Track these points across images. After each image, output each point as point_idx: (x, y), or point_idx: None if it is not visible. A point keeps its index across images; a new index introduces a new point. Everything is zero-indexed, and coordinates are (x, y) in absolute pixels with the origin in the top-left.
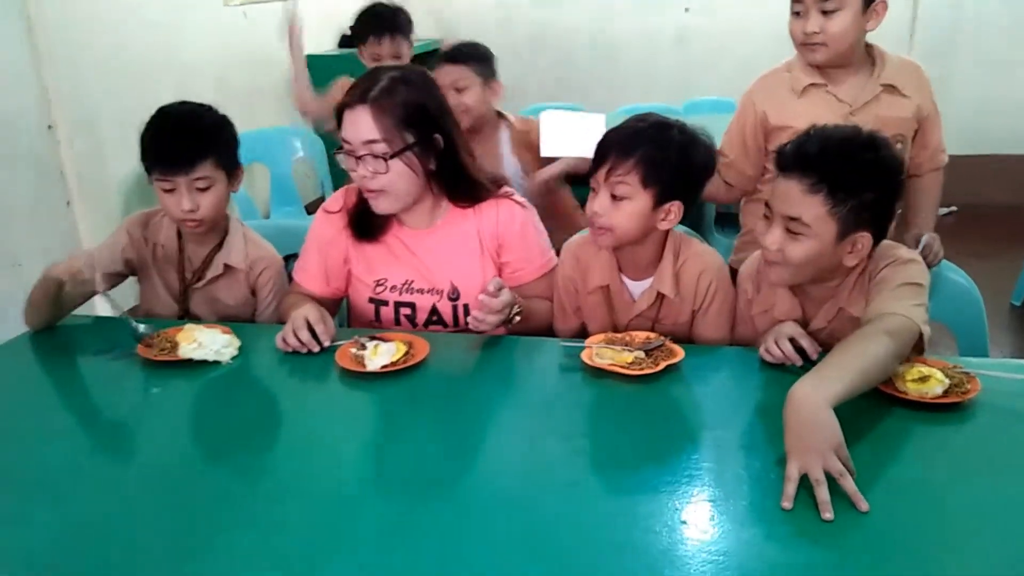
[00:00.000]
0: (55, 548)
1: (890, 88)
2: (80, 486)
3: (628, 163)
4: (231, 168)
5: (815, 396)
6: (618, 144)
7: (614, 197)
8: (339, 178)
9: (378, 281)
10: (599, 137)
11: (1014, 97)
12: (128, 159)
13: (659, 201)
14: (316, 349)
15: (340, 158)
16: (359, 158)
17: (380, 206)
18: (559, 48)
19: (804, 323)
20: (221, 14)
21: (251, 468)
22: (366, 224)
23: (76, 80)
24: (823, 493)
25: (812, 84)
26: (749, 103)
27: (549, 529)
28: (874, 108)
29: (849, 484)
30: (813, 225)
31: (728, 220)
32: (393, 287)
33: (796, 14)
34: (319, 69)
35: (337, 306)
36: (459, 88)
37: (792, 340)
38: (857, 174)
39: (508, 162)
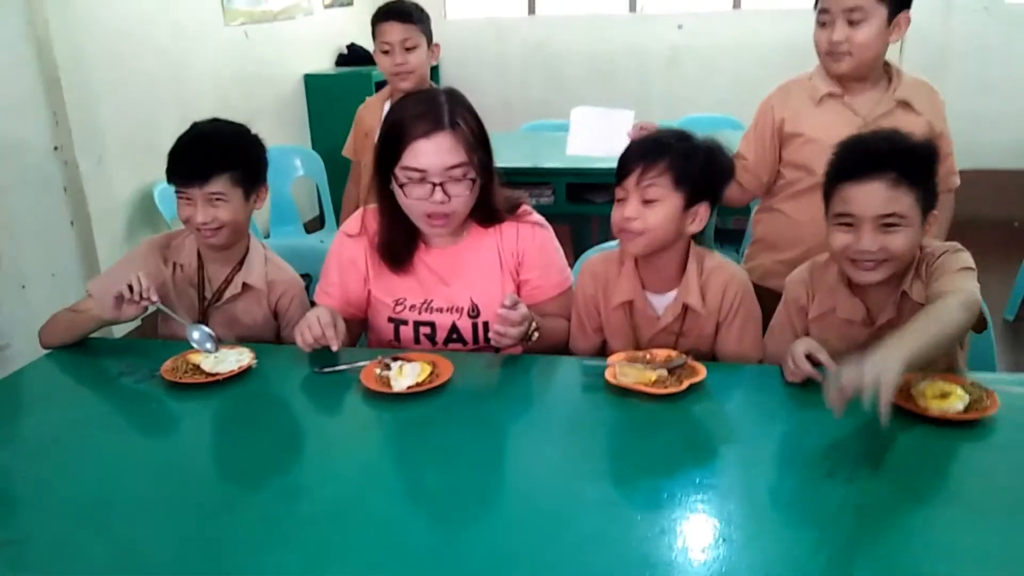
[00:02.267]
0: (98, 570)
1: (904, 104)
2: (117, 508)
3: (659, 166)
4: (250, 185)
5: (892, 353)
6: (646, 151)
7: (645, 201)
8: (340, 197)
9: (397, 300)
10: (626, 134)
11: (1004, 112)
12: (132, 180)
13: (689, 203)
14: (333, 346)
15: (407, 190)
16: (436, 185)
17: (442, 231)
18: (553, 66)
19: (870, 320)
20: (222, 34)
21: (287, 490)
22: (396, 254)
23: (83, 102)
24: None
25: (829, 94)
26: (768, 108)
27: (584, 548)
28: (887, 123)
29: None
30: (909, 215)
31: (728, 236)
32: (412, 306)
33: (822, 24)
34: (319, 87)
35: (361, 328)
36: (408, 47)
37: (809, 356)
38: (922, 160)
39: None
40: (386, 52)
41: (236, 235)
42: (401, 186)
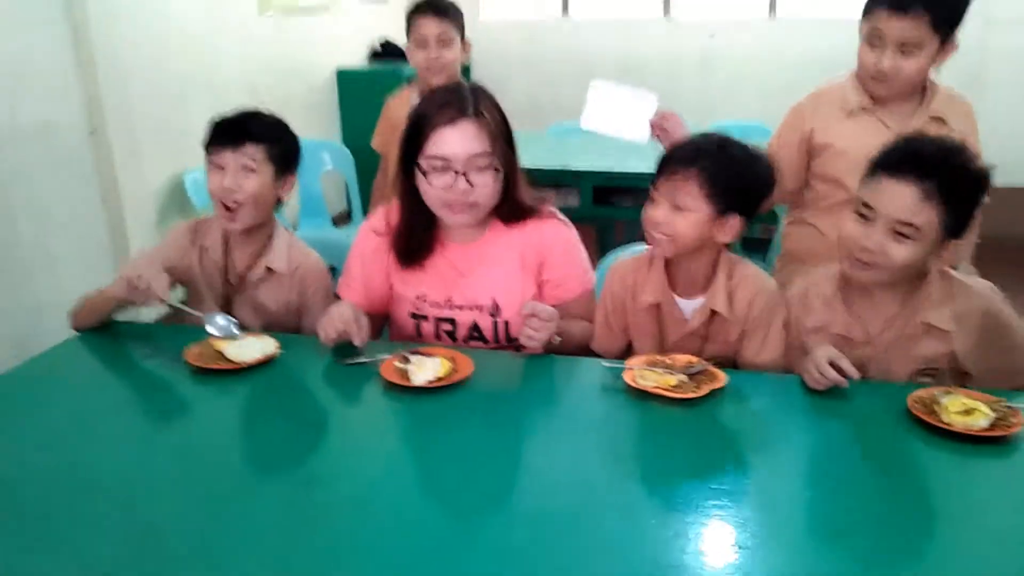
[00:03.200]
0: (122, 550)
1: (938, 120)
2: (141, 491)
3: (690, 172)
4: (281, 167)
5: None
6: (681, 156)
7: (676, 207)
8: (368, 192)
9: (419, 296)
10: (647, 119)
11: None
12: (164, 166)
13: (719, 213)
14: (356, 341)
15: (430, 179)
16: (460, 173)
17: (464, 219)
18: (584, 69)
19: (865, 338)
20: (255, 24)
21: (306, 478)
22: (412, 251)
23: (118, 88)
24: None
25: (862, 107)
26: (800, 117)
27: (597, 549)
28: None
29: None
30: (924, 230)
31: (755, 244)
32: (434, 303)
33: (871, 44)
34: (351, 82)
35: (382, 322)
36: (443, 41)
37: (832, 364)
38: (967, 182)
39: None
40: (421, 46)
41: (257, 215)
42: (424, 174)
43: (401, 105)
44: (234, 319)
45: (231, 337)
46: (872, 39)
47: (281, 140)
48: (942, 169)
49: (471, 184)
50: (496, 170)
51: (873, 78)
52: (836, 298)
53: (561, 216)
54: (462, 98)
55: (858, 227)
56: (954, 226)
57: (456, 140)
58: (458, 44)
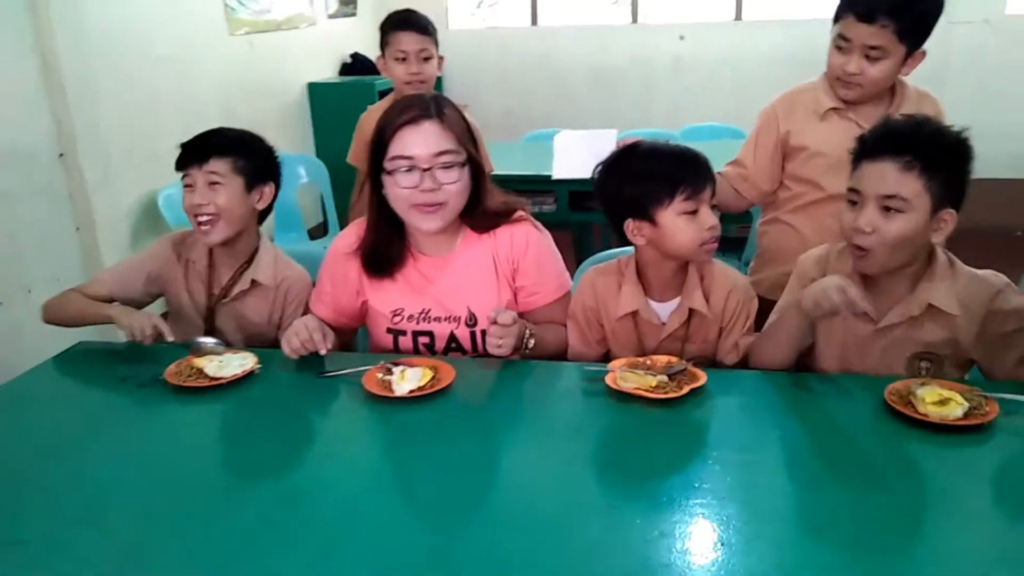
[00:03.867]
0: (102, 572)
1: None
2: (120, 511)
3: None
4: (253, 179)
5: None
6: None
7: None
8: (343, 204)
9: (395, 311)
10: (610, 152)
11: (1004, 122)
12: (137, 187)
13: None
14: (321, 350)
15: (396, 179)
16: (424, 171)
17: (436, 221)
18: (556, 75)
19: (875, 318)
20: (226, 43)
21: (288, 493)
22: (381, 261)
23: (88, 110)
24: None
25: (833, 108)
26: (773, 118)
27: (584, 550)
28: None
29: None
30: (912, 200)
31: (730, 244)
32: (410, 316)
33: (838, 48)
34: (323, 95)
35: (352, 335)
36: (424, 58)
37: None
38: (945, 150)
39: None
40: (401, 60)
41: (231, 227)
42: (390, 174)
43: (374, 119)
44: (217, 341)
45: (216, 352)
46: (840, 43)
47: (247, 152)
48: (916, 140)
49: (438, 183)
50: (462, 166)
51: (839, 79)
52: (854, 276)
53: (533, 221)
54: (424, 102)
55: (849, 213)
56: (945, 194)
57: (420, 139)
58: (435, 59)
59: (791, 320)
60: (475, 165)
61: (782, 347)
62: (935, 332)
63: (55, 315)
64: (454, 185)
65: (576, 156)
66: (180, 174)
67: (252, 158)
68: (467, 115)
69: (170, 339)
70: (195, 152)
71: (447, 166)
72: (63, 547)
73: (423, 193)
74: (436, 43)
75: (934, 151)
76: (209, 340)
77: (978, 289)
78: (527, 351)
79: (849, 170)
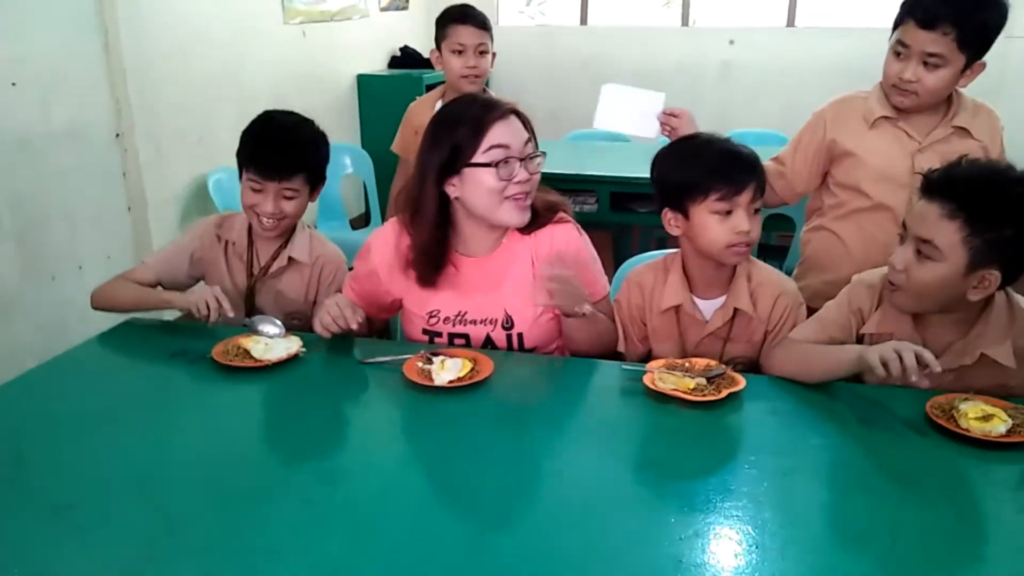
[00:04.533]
0: (146, 542)
1: (960, 131)
2: (165, 484)
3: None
4: (318, 181)
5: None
6: (750, 165)
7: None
8: (386, 195)
9: (431, 313)
10: (655, 117)
11: None
12: (189, 170)
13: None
14: (352, 325)
15: (497, 169)
16: (520, 160)
17: (527, 213)
18: (603, 76)
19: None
20: (280, 32)
21: (328, 474)
22: (433, 267)
23: (145, 93)
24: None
25: (884, 117)
26: (821, 124)
27: (617, 547)
28: (941, 147)
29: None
30: (944, 250)
31: (772, 252)
32: (446, 319)
33: (897, 55)
34: (371, 87)
35: (385, 323)
36: (481, 52)
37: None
38: (1000, 207)
39: None
40: (458, 53)
41: (292, 225)
42: (486, 166)
43: (424, 110)
44: (274, 320)
45: (269, 335)
46: (898, 49)
47: (321, 159)
48: (968, 189)
49: (529, 172)
50: (543, 156)
51: (895, 87)
52: (906, 312)
53: (574, 223)
54: (495, 100)
55: (895, 247)
56: (991, 253)
57: (511, 132)
58: (490, 55)
59: (841, 366)
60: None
61: (813, 376)
62: (988, 380)
63: (107, 302)
64: (537, 176)
65: (621, 110)
66: (242, 167)
67: (322, 163)
68: None
69: (231, 314)
70: (277, 167)
71: (533, 157)
72: (109, 515)
73: (518, 184)
74: (492, 39)
75: (985, 205)
76: (267, 321)
77: None
78: (582, 315)
79: (897, 184)
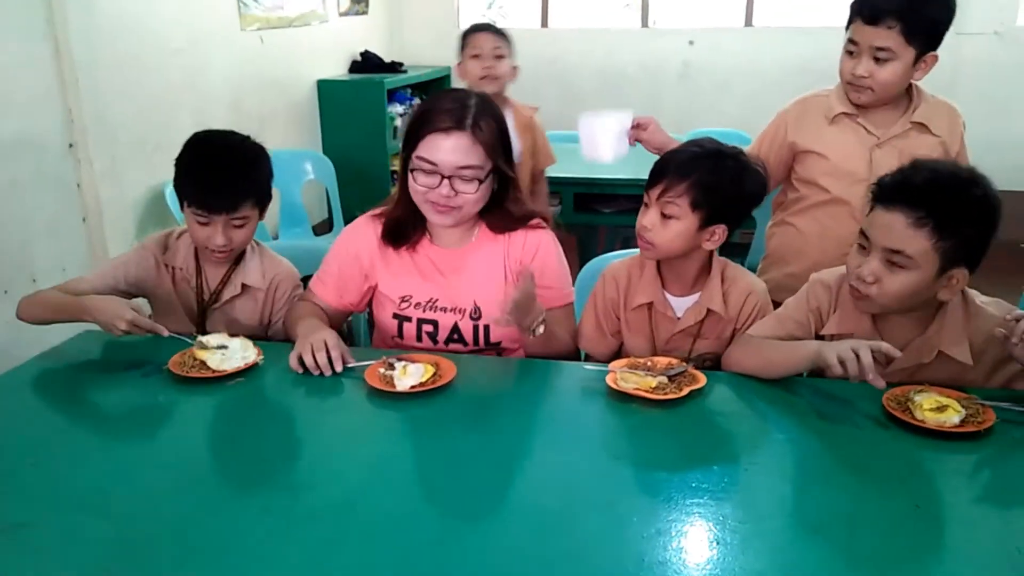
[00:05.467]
0: (104, 558)
1: (920, 126)
2: (122, 498)
3: (681, 186)
4: (265, 201)
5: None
6: (674, 167)
7: (664, 215)
8: (349, 201)
9: (403, 298)
10: (626, 133)
11: (1013, 134)
12: (144, 179)
13: (705, 223)
14: (329, 373)
15: (416, 176)
16: (445, 178)
17: (446, 220)
18: (564, 79)
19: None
20: (238, 39)
21: (290, 485)
22: (399, 234)
23: (98, 102)
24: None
25: (844, 113)
26: (783, 123)
27: (581, 546)
28: (901, 143)
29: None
30: (917, 258)
31: (733, 249)
32: (417, 304)
33: (849, 53)
34: (332, 92)
35: (343, 320)
36: (498, 55)
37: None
38: (963, 210)
39: (514, 142)
40: (475, 57)
41: (243, 249)
42: (412, 171)
43: None
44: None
45: (221, 347)
46: (850, 47)
47: (265, 180)
48: (932, 196)
49: (455, 191)
50: (483, 180)
51: (849, 83)
52: (865, 318)
53: (548, 230)
54: (464, 108)
55: (856, 257)
56: (958, 254)
57: (447, 149)
58: (508, 62)
59: (798, 362)
60: (503, 175)
61: (772, 372)
62: (946, 376)
63: (29, 312)
64: (471, 196)
65: (601, 139)
66: (183, 199)
67: (266, 182)
68: (536, 118)
69: (164, 332)
70: (222, 202)
71: (468, 179)
72: (66, 531)
73: (439, 196)
74: (510, 46)
75: (950, 210)
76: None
77: (990, 329)
78: (533, 335)
79: (855, 179)
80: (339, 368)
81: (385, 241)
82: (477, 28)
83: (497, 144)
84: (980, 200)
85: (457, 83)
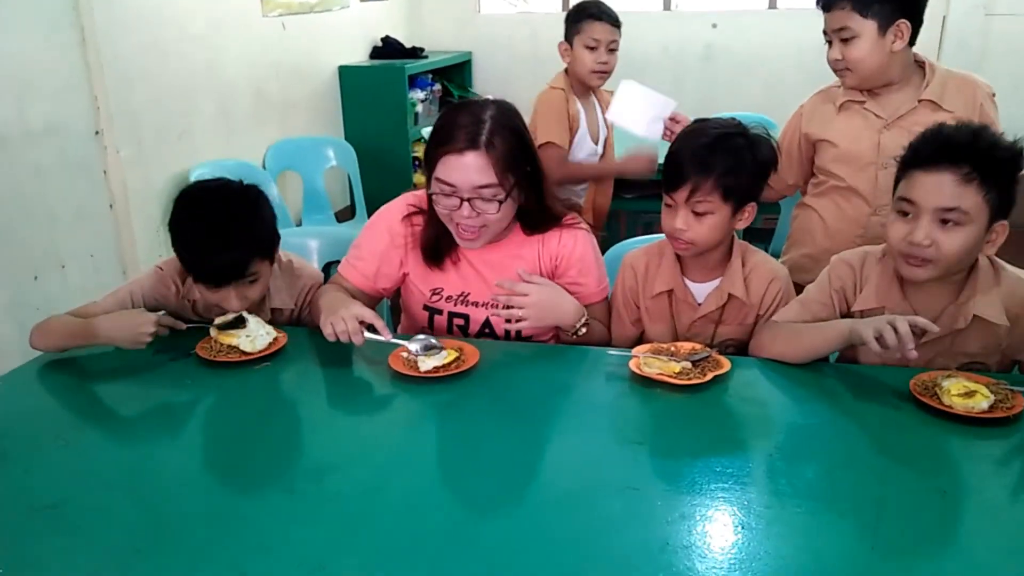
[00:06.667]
0: (135, 538)
1: (930, 103)
2: (152, 479)
3: (708, 184)
4: (274, 247)
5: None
6: (694, 165)
7: (696, 213)
8: (371, 187)
9: (434, 290)
10: (663, 119)
11: None
12: (169, 165)
13: (737, 208)
14: (360, 342)
15: (437, 200)
16: (465, 200)
17: (475, 243)
18: None
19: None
20: (259, 25)
21: (313, 466)
22: (437, 252)
23: (123, 89)
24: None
25: (849, 100)
26: (799, 115)
27: (604, 530)
28: (908, 122)
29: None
30: (972, 213)
31: (757, 234)
32: (449, 297)
33: (828, 44)
34: (353, 78)
35: (373, 307)
36: (612, 49)
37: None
38: (1002, 161)
39: (602, 125)
40: (591, 48)
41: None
42: (433, 195)
43: (559, 98)
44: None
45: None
46: (826, 39)
47: (270, 232)
48: (973, 151)
49: (476, 212)
50: (501, 201)
51: (834, 71)
52: (894, 284)
53: (583, 225)
54: (478, 124)
55: (902, 225)
56: (1000, 205)
57: (462, 170)
58: (617, 54)
59: (830, 341)
60: (531, 182)
61: (804, 355)
62: (981, 341)
63: (42, 341)
64: (493, 216)
65: (635, 109)
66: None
67: (270, 232)
68: (595, 98)
69: (182, 326)
70: (228, 275)
71: (487, 199)
72: (98, 512)
73: (461, 218)
74: (620, 35)
75: (991, 162)
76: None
77: (1021, 292)
78: (575, 336)
79: (863, 163)
80: (387, 336)
81: (428, 261)
82: (597, 15)
83: (517, 157)
84: (1014, 151)
85: (532, 65)
